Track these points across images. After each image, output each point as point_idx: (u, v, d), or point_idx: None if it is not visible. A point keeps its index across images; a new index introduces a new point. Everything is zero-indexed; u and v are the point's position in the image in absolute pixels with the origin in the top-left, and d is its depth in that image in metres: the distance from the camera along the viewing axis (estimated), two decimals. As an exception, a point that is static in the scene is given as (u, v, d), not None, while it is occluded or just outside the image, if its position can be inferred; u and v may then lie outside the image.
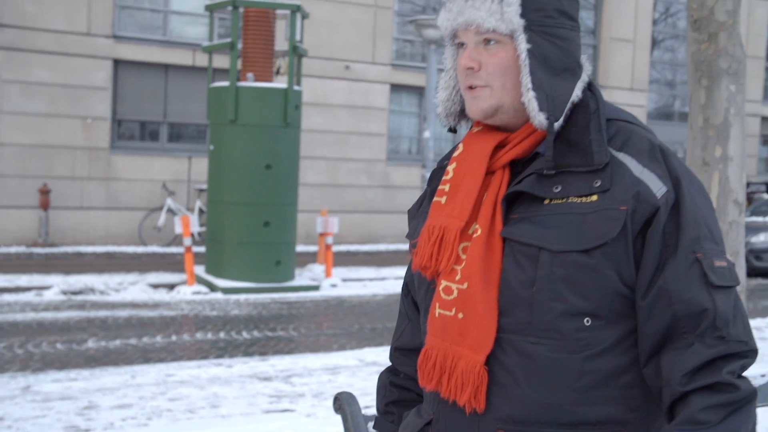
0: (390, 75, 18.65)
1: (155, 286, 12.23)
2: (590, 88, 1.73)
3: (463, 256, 1.66)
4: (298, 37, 12.68)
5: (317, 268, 13.92)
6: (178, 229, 12.41)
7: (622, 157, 1.63)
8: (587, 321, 1.58)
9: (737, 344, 1.57)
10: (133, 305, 10.87)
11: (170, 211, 16.28)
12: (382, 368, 6.95)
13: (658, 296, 1.57)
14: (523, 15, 1.64)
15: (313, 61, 16.78)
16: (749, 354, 1.59)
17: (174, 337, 8.96)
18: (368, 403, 6.39)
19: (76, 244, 15.67)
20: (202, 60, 16.45)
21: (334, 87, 17.96)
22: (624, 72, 21.41)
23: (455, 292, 1.65)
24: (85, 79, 15.81)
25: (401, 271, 14.56)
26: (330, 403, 6.42)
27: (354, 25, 18.10)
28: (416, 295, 1.88)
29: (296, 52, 12.58)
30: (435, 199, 1.75)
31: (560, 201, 1.62)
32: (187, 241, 12.16)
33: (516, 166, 1.71)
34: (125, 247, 15.87)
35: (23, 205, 15.39)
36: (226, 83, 12.23)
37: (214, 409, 6.28)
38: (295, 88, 12.37)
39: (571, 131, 1.67)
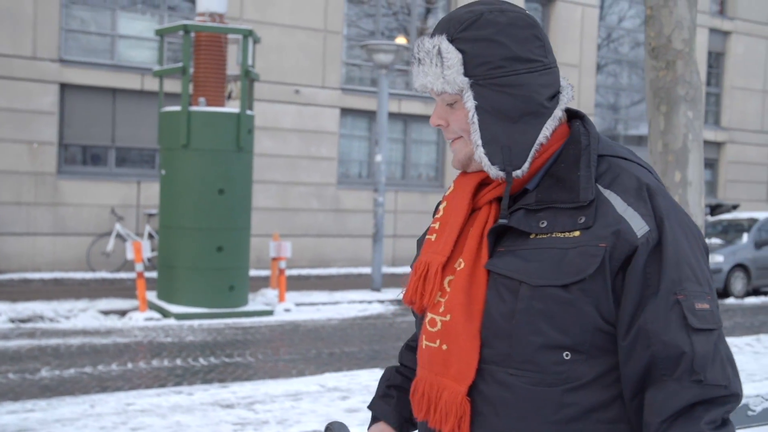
0: (340, 99, 18.70)
1: (106, 313, 12.04)
2: (583, 123, 1.77)
3: (448, 289, 1.69)
4: (249, 61, 12.66)
5: (270, 293, 13.85)
6: (130, 254, 12.25)
7: (608, 194, 1.64)
8: (567, 355, 1.59)
9: (715, 388, 1.56)
10: (85, 332, 10.70)
11: (119, 236, 16.08)
12: (345, 393, 6.96)
13: (638, 337, 1.57)
14: (466, 73, 1.67)
15: (262, 86, 16.76)
16: (730, 399, 1.57)
17: (130, 365, 8.83)
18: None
19: (23, 271, 15.38)
20: (150, 84, 16.33)
21: (284, 111, 17.95)
22: (569, 96, 21.72)
23: (439, 324, 1.69)
24: (31, 103, 15.58)
25: (354, 295, 14.56)
26: (295, 429, 6.38)
27: (303, 49, 18.13)
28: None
29: (248, 77, 12.56)
30: (427, 236, 1.80)
31: (545, 236, 1.64)
32: (139, 266, 12.01)
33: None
34: (73, 273, 15.62)
35: (-33, 232, 15.08)
36: (177, 108, 12.15)
37: (178, 438, 6.20)
38: (248, 112, 12.34)
39: (560, 167, 1.70)
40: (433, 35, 1.72)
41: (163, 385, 7.97)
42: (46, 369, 8.52)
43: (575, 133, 1.74)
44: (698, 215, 5.87)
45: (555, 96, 1.74)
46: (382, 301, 14.37)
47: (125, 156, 16.91)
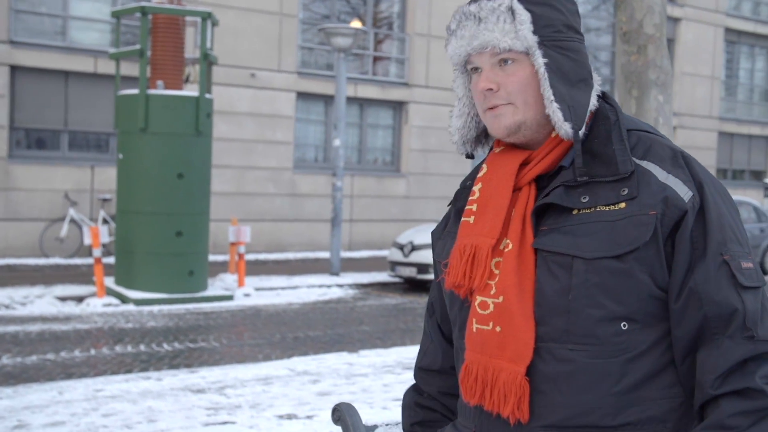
0: (296, 83, 18.60)
1: (63, 299, 11.87)
2: (606, 100, 1.79)
3: (496, 271, 1.70)
4: (208, 44, 12.52)
5: (229, 278, 13.76)
6: (87, 240, 12.08)
7: (646, 164, 1.68)
8: (624, 325, 1.62)
9: (766, 344, 1.59)
10: (44, 319, 10.54)
11: (73, 221, 15.83)
12: (315, 377, 6.97)
13: (690, 298, 1.61)
14: (535, 32, 1.69)
15: (218, 69, 16.58)
16: None
17: (93, 351, 8.72)
18: (309, 413, 6.37)
19: (-26, 257, 15.09)
20: (103, 67, 16.08)
21: (239, 95, 17.80)
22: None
23: (491, 307, 1.69)
24: (-19, 86, 15.25)
25: (312, 280, 14.54)
26: (269, 413, 6.37)
27: (259, 32, 17.98)
28: (447, 314, 1.92)
29: (207, 60, 12.43)
30: (463, 219, 1.79)
31: (588, 210, 1.66)
32: (97, 252, 11.84)
33: (540, 182, 1.76)
34: (26, 260, 15.36)
35: None
36: (134, 91, 11.98)
37: (152, 423, 6.14)
38: (207, 96, 12.22)
39: (594, 143, 1.72)
40: None
41: (129, 371, 7.89)
42: (7, 356, 8.38)
43: (602, 110, 1.77)
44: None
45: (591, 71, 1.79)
46: (341, 285, 14.37)
47: (78, 140, 16.63)
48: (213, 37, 13.26)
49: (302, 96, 18.93)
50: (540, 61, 1.69)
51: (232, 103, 17.65)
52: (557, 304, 1.64)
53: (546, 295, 1.65)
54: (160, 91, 11.90)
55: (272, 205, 18.31)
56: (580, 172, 1.68)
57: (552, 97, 1.68)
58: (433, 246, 1.97)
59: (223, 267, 15.20)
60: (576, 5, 1.78)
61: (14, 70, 15.70)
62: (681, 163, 1.69)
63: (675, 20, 25.03)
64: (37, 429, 5.95)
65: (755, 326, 1.59)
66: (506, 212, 1.73)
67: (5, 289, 12.24)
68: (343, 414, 2.86)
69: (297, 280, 14.54)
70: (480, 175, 1.82)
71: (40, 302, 11.56)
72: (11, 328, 9.81)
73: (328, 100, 18.97)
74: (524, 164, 1.76)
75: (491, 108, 1.73)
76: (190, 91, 12.75)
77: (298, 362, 8.17)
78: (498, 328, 1.67)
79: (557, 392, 1.64)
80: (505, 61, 1.71)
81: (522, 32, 1.68)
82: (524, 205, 1.72)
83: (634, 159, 1.68)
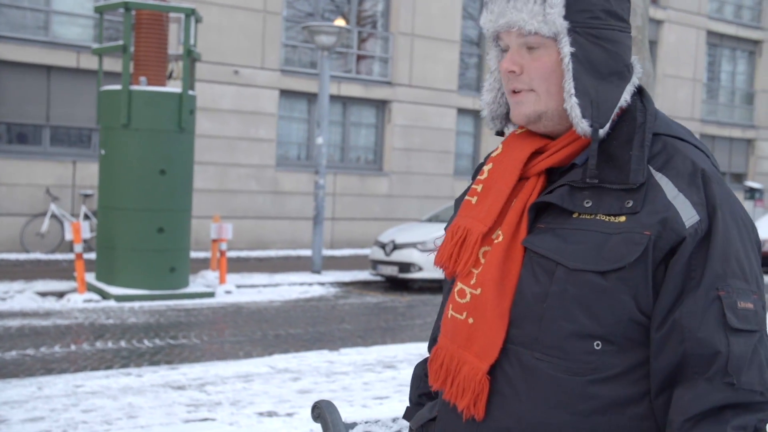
0: (279, 80, 18.59)
1: (43, 294, 11.83)
2: (641, 98, 1.66)
3: (483, 260, 1.63)
4: (191, 41, 12.50)
5: (210, 275, 13.75)
6: (69, 235, 12.04)
7: (660, 178, 1.55)
8: (597, 345, 1.52)
9: (749, 393, 1.46)
10: (24, 314, 10.50)
11: (54, 217, 15.77)
12: (295, 375, 6.96)
13: (672, 330, 1.49)
14: (567, 17, 1.57)
15: (201, 66, 16.55)
16: (766, 406, 1.48)
17: (74, 347, 8.70)
18: (289, 410, 6.39)
19: (-47, 252, 15.00)
20: (86, 62, 16.02)
21: (222, 92, 17.78)
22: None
23: (468, 296, 1.62)
24: (-38, 80, 15.17)
25: (294, 277, 14.54)
26: (249, 411, 6.38)
27: (243, 29, 17.96)
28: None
29: (190, 56, 12.41)
30: (466, 198, 1.72)
31: (588, 216, 1.56)
32: (78, 247, 11.80)
33: (554, 174, 1.67)
34: (6, 254, 15.29)
35: None
36: (117, 86, 11.95)
37: (132, 419, 6.13)
38: (190, 92, 12.20)
39: (612, 144, 1.60)
40: None
41: (109, 367, 7.88)
42: (-13, 351, 8.35)
43: (631, 109, 1.63)
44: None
45: (630, 64, 1.66)
46: (322, 284, 14.39)
47: (60, 135, 16.56)
48: (196, 33, 13.24)
49: (285, 94, 18.93)
50: (566, 49, 1.58)
51: (215, 100, 17.62)
52: (533, 308, 1.56)
53: (524, 297, 1.57)
54: (143, 87, 11.86)
55: (255, 203, 18.30)
56: (591, 174, 1.57)
57: (572, 91, 1.57)
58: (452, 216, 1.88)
59: (204, 264, 15.18)
60: None
61: (-4, 64, 15.62)
62: (698, 182, 1.54)
63: (657, 22, 25.17)
64: (17, 424, 5.94)
65: (738, 373, 1.46)
66: (505, 201, 1.65)
67: (-15, 284, 12.18)
68: (322, 411, 2.89)
69: (279, 277, 14.53)
70: (494, 155, 1.74)
71: (21, 297, 11.50)
72: (-9, 324, 9.77)
73: (311, 98, 18.97)
74: (539, 153, 1.67)
75: (514, 92, 1.64)
76: (173, 87, 12.72)
77: (279, 360, 8.18)
78: (471, 320, 1.61)
79: (516, 399, 1.57)
80: (531, 43, 1.61)
81: (551, 16, 1.57)
82: (526, 198, 1.64)
83: (650, 168, 1.57)
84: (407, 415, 2.00)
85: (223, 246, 13.28)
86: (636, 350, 1.54)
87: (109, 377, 7.32)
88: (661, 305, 1.51)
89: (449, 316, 1.67)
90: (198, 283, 13.19)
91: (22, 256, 15.24)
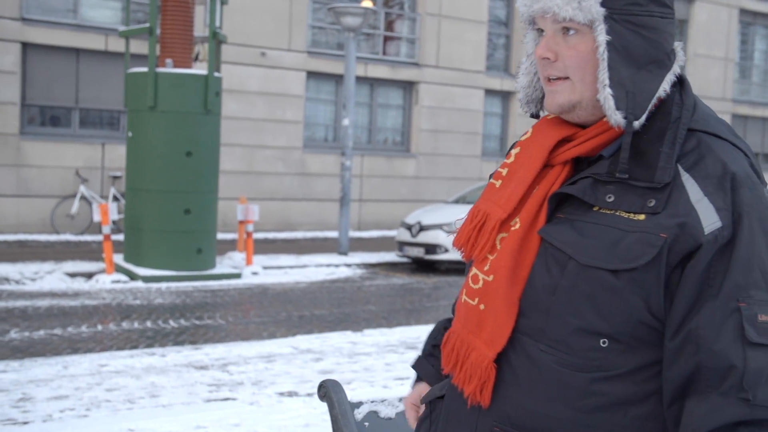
0: (306, 62, 18.60)
1: (73, 275, 11.97)
2: (681, 90, 1.60)
3: (498, 247, 1.61)
4: (217, 23, 12.54)
5: (237, 256, 13.84)
6: (97, 217, 12.17)
7: (686, 179, 1.49)
8: (604, 342, 1.50)
9: (764, 410, 1.40)
10: (53, 294, 10.64)
11: (83, 198, 15.94)
12: (318, 355, 6.99)
13: (686, 340, 1.44)
14: (604, 3, 1.52)
15: (228, 48, 16.60)
16: None
17: (100, 327, 8.81)
18: (310, 390, 6.44)
19: (-15, 233, 15.21)
20: (114, 45, 16.12)
21: (249, 74, 17.82)
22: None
23: (481, 282, 1.61)
24: (-7, 63, 15.33)
25: (321, 259, 14.60)
26: (271, 390, 6.43)
27: (269, 11, 17.97)
28: None
29: (216, 38, 12.45)
30: (491, 180, 1.70)
31: (609, 211, 1.52)
32: (106, 229, 11.93)
33: (580, 164, 1.64)
34: (37, 236, 15.48)
35: (-72, 193, 14.86)
36: (144, 69, 12.02)
37: (154, 398, 6.21)
38: (216, 74, 12.25)
39: (642, 139, 1.54)
40: None
41: (135, 347, 7.97)
42: (15, 330, 8.47)
43: (668, 103, 1.57)
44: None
45: (672, 52, 1.59)
46: (349, 265, 14.43)
47: (89, 117, 16.70)
48: (222, 15, 13.28)
49: (312, 75, 18.93)
50: (602, 38, 1.52)
51: (242, 82, 17.67)
52: (542, 300, 1.54)
53: (535, 288, 1.56)
54: (169, 69, 11.93)
55: (282, 184, 18.37)
56: (622, 168, 1.52)
57: (606, 81, 1.52)
58: None
59: (232, 245, 15.28)
60: None
61: (26, 47, 15.76)
62: (726, 186, 1.47)
63: (689, 1, 24.86)
64: (42, 402, 6.04)
65: (754, 389, 1.40)
66: (527, 188, 1.62)
67: (16, 265, 12.35)
68: (328, 390, 2.92)
69: (305, 259, 14.60)
70: (523, 138, 1.71)
71: (50, 278, 11.65)
72: (21, 303, 9.91)
73: (338, 79, 18.97)
74: (567, 140, 1.63)
75: (549, 80, 1.61)
76: (199, 69, 12.77)
77: (302, 340, 8.23)
78: (482, 306, 1.61)
79: (518, 388, 1.57)
80: (567, 30, 1.56)
81: (587, 2, 1.52)
82: (548, 186, 1.61)
83: (679, 167, 1.51)
84: (416, 365, 2.00)
85: (250, 227, 13.35)
86: (644, 351, 1.50)
87: (134, 357, 7.41)
88: (675, 312, 1.46)
89: (462, 300, 1.67)
90: (225, 264, 13.29)
91: (53, 237, 15.43)
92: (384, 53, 20.17)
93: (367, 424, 2.85)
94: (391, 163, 19.91)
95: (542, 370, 1.54)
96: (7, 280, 11.40)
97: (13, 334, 8.32)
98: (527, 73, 1.73)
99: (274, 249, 15.69)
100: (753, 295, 1.43)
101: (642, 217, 1.48)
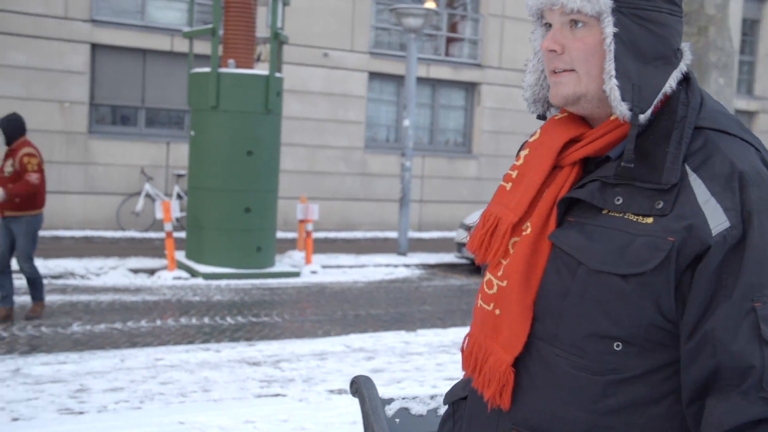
0: (368, 63, 18.68)
1: (135, 271, 12.21)
2: (687, 88, 1.59)
3: (511, 251, 1.62)
4: (279, 24, 12.68)
5: (297, 255, 13.96)
6: (159, 214, 12.41)
7: (693, 179, 1.48)
8: (618, 346, 1.50)
9: None
10: (115, 290, 10.87)
11: (148, 196, 16.24)
12: (370, 354, 7.00)
13: (704, 342, 1.44)
14: None
15: (291, 49, 16.77)
16: None
17: (159, 322, 8.98)
18: (359, 388, 6.47)
19: (54, 229, 15.58)
20: (180, 45, 16.40)
21: (312, 74, 17.96)
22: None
23: (495, 288, 1.62)
24: (63, 63, 15.70)
25: (380, 259, 14.65)
26: (321, 388, 6.49)
27: (332, 12, 18.09)
28: None
29: (278, 39, 12.59)
30: (502, 183, 1.70)
31: (618, 214, 1.52)
32: (168, 226, 12.15)
33: (589, 164, 1.64)
34: (103, 232, 15.82)
35: None
36: (207, 69, 12.22)
37: (206, 393, 6.32)
38: (277, 75, 12.38)
39: (648, 140, 1.55)
40: None
41: (191, 342, 8.11)
42: (78, 324, 8.69)
43: (673, 102, 1.57)
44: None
45: (679, 50, 1.61)
46: (408, 265, 14.45)
47: (155, 117, 17.02)
48: (284, 16, 13.41)
49: (374, 76, 19.01)
50: (609, 29, 1.52)
51: (304, 82, 17.82)
52: (554, 305, 1.55)
53: (547, 293, 1.57)
54: (231, 69, 12.10)
55: (343, 184, 18.47)
56: (628, 158, 1.52)
57: (613, 72, 1.52)
58: None
59: (293, 244, 15.43)
60: None
61: (95, 48, 16.12)
62: (734, 185, 1.46)
63: (760, 0, 24.33)
64: (98, 393, 6.18)
65: None
66: (537, 191, 1.63)
67: (82, 260, 12.64)
68: (360, 387, 2.94)
69: (364, 258, 14.66)
70: (531, 140, 1.71)
71: (114, 273, 11.91)
72: (84, 298, 10.14)
73: (399, 80, 19.01)
74: (575, 141, 1.63)
75: (554, 72, 1.60)
76: (261, 70, 12.93)
77: (355, 339, 8.28)
78: (497, 311, 1.62)
79: (535, 393, 1.59)
80: (576, 22, 1.56)
81: None
82: (558, 189, 1.62)
83: (686, 167, 1.50)
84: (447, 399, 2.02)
85: (309, 226, 13.46)
86: (658, 353, 1.50)
87: (189, 352, 7.54)
88: (690, 315, 1.45)
89: (479, 305, 1.68)
90: (284, 262, 13.42)
91: (118, 234, 15.75)
92: (446, 54, 20.14)
93: (398, 420, 2.86)
94: (453, 164, 19.88)
95: (558, 374, 1.55)
96: (72, 274, 11.68)
97: (75, 328, 8.52)
98: (534, 71, 1.73)
99: (334, 248, 15.79)
100: (767, 294, 1.42)
101: (650, 220, 1.48)
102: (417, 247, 16.55)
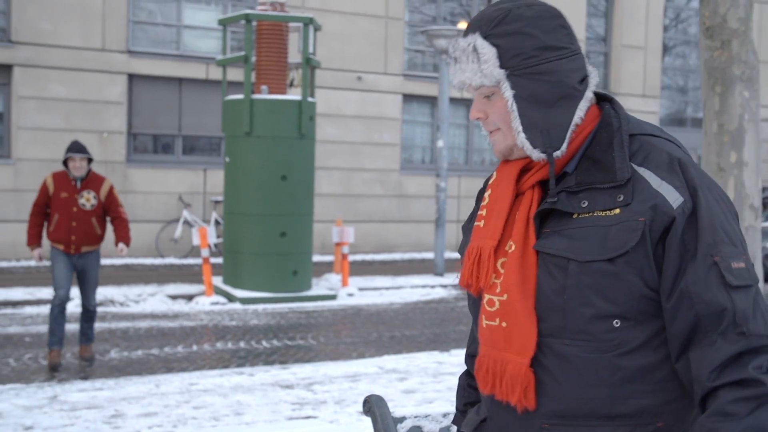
0: (402, 85, 18.77)
1: (174, 297, 12.34)
2: (613, 106, 1.89)
3: (502, 271, 1.82)
4: (311, 49, 12.81)
5: (333, 278, 14.02)
6: (196, 240, 12.55)
7: (643, 171, 1.76)
8: (616, 322, 1.73)
9: (758, 338, 1.67)
10: (153, 316, 10.99)
11: (186, 223, 16.43)
12: (403, 375, 7.05)
13: (681, 298, 1.69)
14: (502, 65, 1.78)
15: (325, 73, 16.91)
16: None
17: (195, 347, 9.07)
18: (392, 408, 6.48)
19: (94, 257, 15.79)
20: (215, 73, 16.61)
21: (346, 98, 18.08)
22: (636, 79, 21.47)
23: (497, 304, 1.81)
24: (101, 94, 15.99)
25: (417, 280, 14.66)
26: (352, 409, 6.51)
27: (365, 36, 18.23)
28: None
29: (309, 64, 12.71)
30: (475, 223, 1.93)
31: (587, 215, 1.76)
32: (205, 252, 12.28)
33: (544, 186, 1.86)
34: (143, 259, 16.01)
35: (41, 219, 15.55)
36: (240, 96, 12.37)
37: (238, 416, 6.37)
38: (309, 99, 12.49)
39: (596, 150, 1.81)
40: (466, 35, 1.83)
41: (226, 367, 8.18)
42: (116, 350, 8.80)
43: (606, 116, 1.86)
44: (755, 196, 5.81)
45: (584, 79, 1.84)
46: (444, 286, 14.44)
47: (192, 144, 17.24)
48: (316, 41, 13.55)
49: (408, 98, 19.08)
50: (507, 93, 1.79)
51: (339, 106, 17.95)
52: (554, 302, 1.75)
53: (545, 294, 1.77)
54: (264, 95, 12.24)
55: (380, 206, 18.53)
56: (552, 193, 1.80)
57: (519, 128, 1.80)
58: (463, 241, 2.11)
59: (329, 267, 15.49)
60: (557, 19, 1.83)
61: (132, 78, 16.39)
62: (677, 169, 1.76)
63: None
64: (132, 419, 6.26)
65: (746, 322, 1.67)
66: (506, 215, 1.85)
67: (121, 287, 12.80)
68: (372, 406, 2.96)
69: (401, 280, 14.67)
70: (491, 182, 1.95)
71: (153, 300, 12.04)
72: (123, 324, 10.28)
73: (434, 101, 19.05)
74: (527, 170, 1.87)
75: (489, 133, 1.89)
76: (294, 95, 13.07)
77: (389, 360, 8.30)
78: (504, 324, 1.80)
79: (556, 383, 1.77)
80: (486, 94, 1.83)
81: (487, 70, 1.79)
82: (527, 209, 1.84)
83: (632, 165, 1.78)
84: (456, 421, 2.27)
85: (345, 249, 13.52)
86: (650, 322, 1.74)
87: (223, 376, 7.61)
88: (666, 278, 1.71)
89: (484, 326, 1.86)
90: (321, 285, 13.48)
91: (157, 261, 15.94)
92: (480, 74, 20.13)
93: (410, 439, 2.88)
94: (489, 183, 19.84)
95: (572, 361, 1.75)
96: (112, 302, 11.83)
97: (113, 354, 8.64)
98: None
99: (372, 271, 15.83)
100: (722, 250, 1.70)
101: (617, 211, 1.74)
102: (454, 267, 16.52)
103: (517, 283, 1.78)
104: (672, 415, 1.78)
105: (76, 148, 8.13)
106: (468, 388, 2.21)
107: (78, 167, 8.10)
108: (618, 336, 1.73)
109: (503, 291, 1.80)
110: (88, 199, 8.08)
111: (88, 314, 8.20)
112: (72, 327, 9.87)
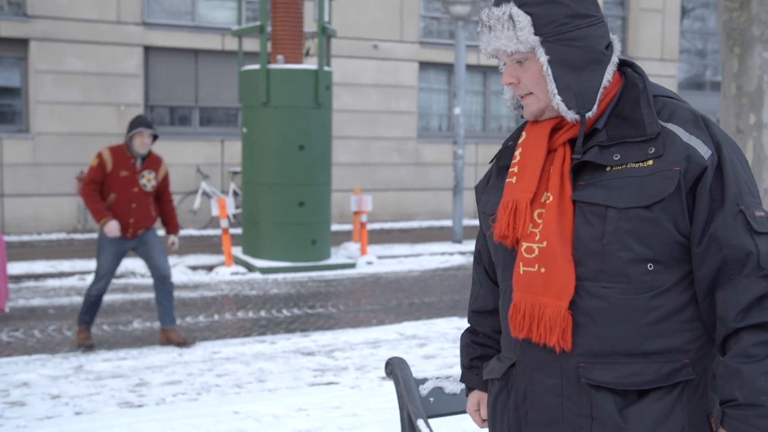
0: (418, 53, 18.69)
1: (194, 268, 12.43)
2: (635, 69, 2.06)
3: (539, 221, 1.96)
4: (326, 18, 12.77)
5: (352, 246, 14.06)
6: (215, 211, 12.61)
7: (671, 126, 1.92)
8: (650, 266, 1.89)
9: None
10: (174, 287, 11.05)
11: (205, 194, 16.50)
12: (423, 341, 7.08)
13: (710, 243, 1.87)
14: (536, 32, 1.93)
15: (341, 42, 16.86)
16: None
17: (216, 317, 9.15)
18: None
19: (115, 230, 15.90)
20: (231, 44, 16.60)
21: (363, 66, 18.04)
22: (654, 42, 21.29)
23: (536, 251, 1.96)
24: (117, 67, 16.02)
25: (435, 247, 14.68)
26: (373, 375, 6.57)
27: (381, 4, 18.14)
28: (490, 263, 2.25)
29: (325, 33, 12.68)
30: (507, 180, 2.06)
31: (620, 167, 1.92)
32: (224, 223, 12.35)
33: (573, 143, 2.01)
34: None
35: (61, 193, 15.67)
36: (256, 66, 12.37)
37: (261, 383, 6.45)
38: (326, 68, 12.47)
39: (624, 108, 1.98)
40: (499, 4, 1.97)
41: (247, 335, 8.26)
42: (138, 321, 8.90)
43: (631, 78, 2.03)
44: (774, 157, 5.78)
45: (608, 46, 2.01)
46: (463, 253, 14.45)
47: (209, 115, 17.27)
48: (331, 10, 13.51)
49: (425, 65, 19.01)
50: (543, 59, 1.94)
51: (355, 74, 17.91)
52: (593, 247, 1.91)
53: (583, 240, 1.92)
54: (280, 65, 12.23)
55: (397, 175, 18.53)
56: (577, 151, 1.97)
57: (555, 91, 1.95)
58: (477, 200, 2.23)
59: (348, 236, 15.53)
60: None
61: (147, 50, 16.40)
62: (702, 125, 1.93)
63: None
64: (156, 387, 6.35)
65: None
66: (541, 170, 2.00)
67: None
68: (394, 368, 3.01)
69: (420, 248, 14.70)
70: (520, 141, 2.09)
71: (173, 271, 12.06)
72: (145, 296, 10.37)
73: (450, 68, 18.98)
74: (558, 129, 2.02)
75: (520, 96, 2.05)
76: (310, 64, 13.05)
77: (408, 327, 8.35)
78: (543, 270, 1.95)
79: (593, 324, 1.92)
80: (519, 59, 1.99)
81: (523, 37, 1.94)
82: (561, 163, 1.99)
83: (660, 122, 1.93)
84: (464, 379, 2.40)
85: (364, 218, 13.55)
86: (680, 266, 1.91)
87: (245, 344, 7.68)
88: (696, 225, 1.89)
89: (521, 272, 1.99)
90: (340, 254, 13.53)
91: (177, 233, 16.00)
92: (496, 40, 20.02)
93: (432, 399, 2.93)
94: (507, 150, 19.78)
95: (609, 302, 1.90)
96: (133, 274, 11.94)
97: (136, 325, 8.74)
98: (509, 89, 2.14)
99: (390, 239, 15.86)
100: (746, 200, 1.88)
101: (650, 162, 1.89)
102: (472, 234, 16.52)
103: (557, 231, 1.92)
104: (696, 352, 1.93)
105: (146, 123, 7.34)
106: (472, 344, 2.34)
107: (145, 144, 7.35)
108: (652, 279, 1.88)
109: (543, 238, 1.94)
110: (149, 180, 7.50)
111: (165, 286, 7.66)
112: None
